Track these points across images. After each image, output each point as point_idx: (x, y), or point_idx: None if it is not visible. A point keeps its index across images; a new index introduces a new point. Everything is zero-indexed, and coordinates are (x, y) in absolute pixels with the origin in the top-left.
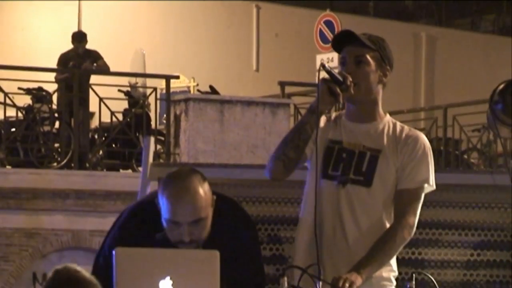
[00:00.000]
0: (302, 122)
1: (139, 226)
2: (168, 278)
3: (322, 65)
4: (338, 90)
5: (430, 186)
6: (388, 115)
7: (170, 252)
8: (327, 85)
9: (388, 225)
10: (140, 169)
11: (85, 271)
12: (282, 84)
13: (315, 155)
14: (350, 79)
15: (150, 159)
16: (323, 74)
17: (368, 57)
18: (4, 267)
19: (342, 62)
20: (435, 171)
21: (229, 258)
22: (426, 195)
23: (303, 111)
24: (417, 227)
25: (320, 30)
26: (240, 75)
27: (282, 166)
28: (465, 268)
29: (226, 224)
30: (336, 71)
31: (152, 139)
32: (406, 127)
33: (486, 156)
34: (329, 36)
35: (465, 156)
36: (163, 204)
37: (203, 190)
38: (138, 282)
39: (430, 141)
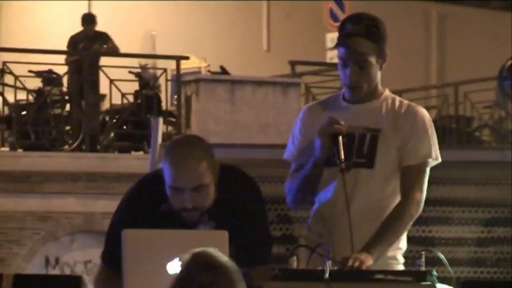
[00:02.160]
0: (310, 175)
1: (145, 198)
2: (176, 259)
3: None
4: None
5: (435, 159)
6: (387, 91)
7: (178, 233)
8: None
9: (392, 203)
10: None
11: (224, 256)
12: (293, 64)
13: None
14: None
15: (159, 140)
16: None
17: (369, 57)
18: (17, 250)
19: (343, 63)
20: (446, 148)
21: (235, 225)
22: (436, 172)
23: (313, 90)
24: (427, 205)
25: (330, 9)
26: (251, 55)
27: (304, 206)
28: (476, 245)
29: (231, 191)
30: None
31: (161, 120)
32: (405, 102)
33: (497, 133)
34: (339, 14)
35: (477, 133)
36: (166, 170)
37: (205, 155)
38: (147, 263)
39: (442, 118)
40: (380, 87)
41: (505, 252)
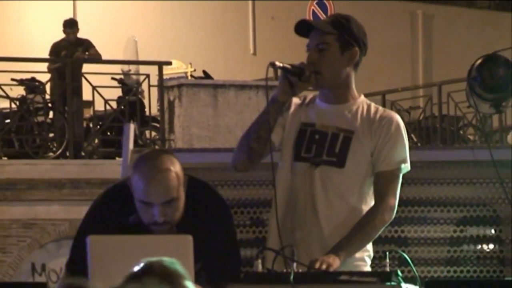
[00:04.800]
0: (263, 114)
1: (113, 209)
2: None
3: (272, 64)
4: (295, 81)
5: (406, 166)
6: (362, 96)
7: (143, 238)
8: (286, 77)
9: (362, 207)
10: None
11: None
12: (275, 67)
13: (285, 140)
14: (310, 70)
15: (131, 146)
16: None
17: (329, 42)
18: (3, 258)
19: (307, 50)
20: (416, 148)
21: (203, 240)
22: (407, 173)
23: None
24: (400, 205)
25: (313, 11)
26: (237, 59)
27: (246, 158)
28: (449, 245)
29: (199, 205)
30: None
31: (132, 126)
32: (380, 108)
33: (481, 132)
34: (322, 17)
35: (461, 132)
36: (136, 185)
37: (175, 170)
38: (112, 269)
39: (427, 118)
40: (355, 90)
41: (478, 251)
